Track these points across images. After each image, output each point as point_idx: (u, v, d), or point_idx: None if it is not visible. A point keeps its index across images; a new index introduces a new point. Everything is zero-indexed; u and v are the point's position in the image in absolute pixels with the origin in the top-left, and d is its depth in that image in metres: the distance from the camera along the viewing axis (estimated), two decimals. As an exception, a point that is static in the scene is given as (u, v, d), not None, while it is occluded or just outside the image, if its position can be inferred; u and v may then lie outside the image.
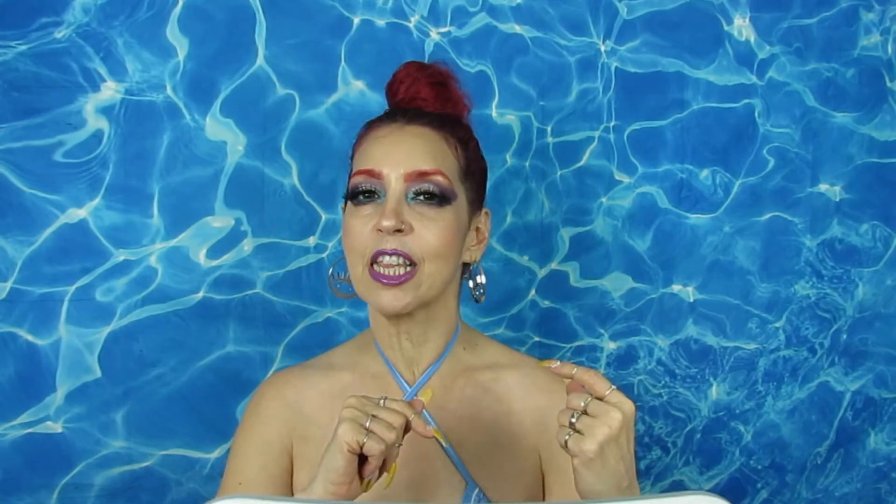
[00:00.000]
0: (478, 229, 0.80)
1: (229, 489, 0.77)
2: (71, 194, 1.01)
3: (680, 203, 1.26)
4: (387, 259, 0.71)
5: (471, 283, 0.82)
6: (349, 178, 0.78)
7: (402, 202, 0.72)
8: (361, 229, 0.72)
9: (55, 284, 1.02)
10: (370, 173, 0.72)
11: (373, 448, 0.59)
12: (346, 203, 0.78)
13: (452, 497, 0.75)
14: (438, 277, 0.73)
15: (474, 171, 0.78)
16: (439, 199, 0.72)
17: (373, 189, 0.72)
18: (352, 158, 0.78)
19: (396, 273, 0.71)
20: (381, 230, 0.70)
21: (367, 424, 0.60)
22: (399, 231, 0.70)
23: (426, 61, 0.80)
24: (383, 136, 0.74)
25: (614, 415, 0.58)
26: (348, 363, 0.82)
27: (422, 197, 0.72)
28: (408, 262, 0.71)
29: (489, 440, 0.78)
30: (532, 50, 1.17)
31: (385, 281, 0.71)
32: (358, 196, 0.73)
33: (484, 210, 0.81)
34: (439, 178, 0.72)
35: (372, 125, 0.78)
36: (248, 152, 1.07)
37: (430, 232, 0.71)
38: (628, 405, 0.58)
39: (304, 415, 0.80)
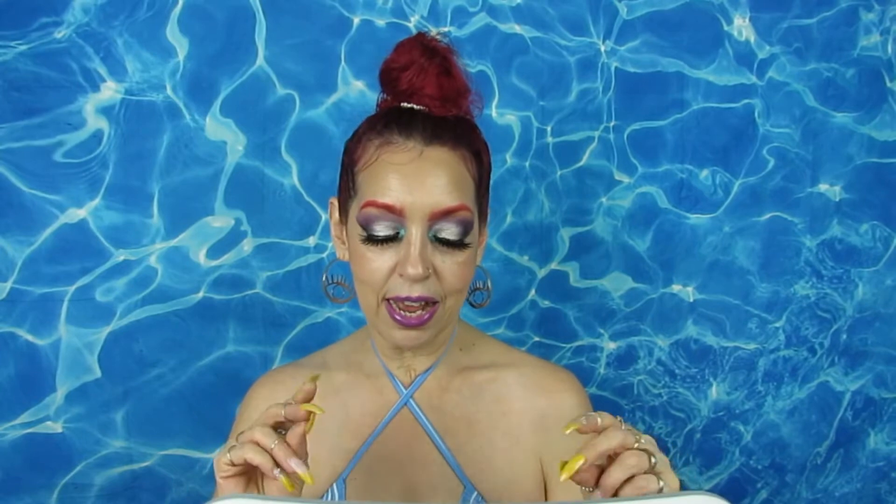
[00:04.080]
0: (481, 233, 0.76)
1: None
2: (71, 194, 1.01)
3: (680, 203, 1.26)
4: (408, 303, 0.67)
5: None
6: (348, 178, 0.72)
7: (426, 243, 0.66)
8: (379, 266, 0.67)
9: (55, 284, 1.02)
10: (390, 209, 0.65)
11: (238, 456, 0.57)
12: (339, 201, 0.73)
13: (450, 501, 0.74)
14: (457, 307, 0.72)
15: (486, 184, 0.74)
16: (460, 238, 0.68)
17: (393, 230, 0.66)
18: (353, 164, 0.71)
19: (418, 315, 0.68)
20: (402, 275, 0.66)
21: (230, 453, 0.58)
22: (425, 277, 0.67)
23: (426, 39, 0.71)
24: (400, 163, 0.66)
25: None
26: (343, 363, 0.81)
27: (444, 242, 0.68)
28: (430, 302, 0.68)
29: (487, 442, 0.76)
30: (532, 50, 1.17)
31: (402, 321, 0.68)
32: (375, 237, 0.67)
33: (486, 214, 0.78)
34: (463, 215, 0.67)
35: (383, 140, 0.69)
36: (248, 152, 1.07)
37: (453, 274, 0.68)
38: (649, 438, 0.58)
39: None
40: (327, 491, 0.74)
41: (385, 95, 0.74)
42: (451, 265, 0.68)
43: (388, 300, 0.68)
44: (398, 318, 0.68)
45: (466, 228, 0.68)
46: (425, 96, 0.70)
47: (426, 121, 0.69)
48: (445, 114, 0.70)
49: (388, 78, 0.72)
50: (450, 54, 0.71)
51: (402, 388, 0.77)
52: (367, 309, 0.72)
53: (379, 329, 0.72)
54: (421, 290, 0.67)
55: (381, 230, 0.66)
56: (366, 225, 0.67)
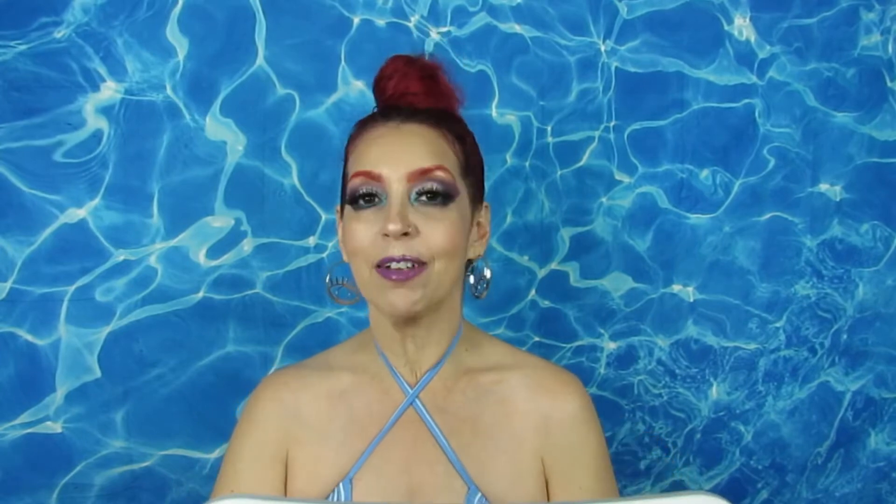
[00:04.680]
0: (479, 224, 0.79)
1: (222, 493, 0.76)
2: (71, 194, 1.01)
3: (680, 203, 1.26)
4: (395, 265, 0.69)
5: (471, 279, 0.80)
6: (344, 179, 0.76)
7: (405, 204, 0.69)
8: (365, 233, 0.70)
9: (55, 284, 1.02)
10: (369, 175, 0.70)
11: None
12: (341, 206, 0.76)
13: (454, 502, 0.74)
14: (447, 276, 0.72)
15: (474, 167, 0.77)
16: (443, 196, 0.70)
17: (373, 192, 0.70)
18: (346, 161, 0.76)
19: (406, 270, 0.69)
20: (387, 234, 0.68)
21: None
22: (406, 234, 0.68)
23: (413, 54, 0.78)
24: (379, 136, 0.72)
25: None
26: (347, 364, 0.81)
27: (425, 197, 0.70)
28: (417, 263, 0.69)
29: (491, 443, 0.77)
30: (532, 50, 1.17)
31: (395, 276, 0.69)
32: (358, 200, 0.71)
33: (484, 204, 0.80)
34: (441, 175, 0.70)
35: (365, 125, 0.75)
36: (248, 152, 1.07)
37: (437, 232, 0.70)
38: None
39: (301, 418, 0.78)
40: (333, 490, 0.75)
41: (377, 107, 0.79)
42: (434, 225, 0.70)
43: (378, 267, 0.70)
44: (390, 275, 0.69)
45: (447, 188, 0.71)
46: (409, 94, 0.75)
47: (407, 108, 0.74)
48: (429, 105, 0.75)
49: (378, 87, 0.77)
50: (435, 67, 0.77)
51: (408, 387, 0.78)
52: (363, 284, 0.73)
53: (376, 301, 0.73)
54: (405, 250, 0.69)
55: (365, 197, 0.71)
56: (352, 195, 0.71)
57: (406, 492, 0.74)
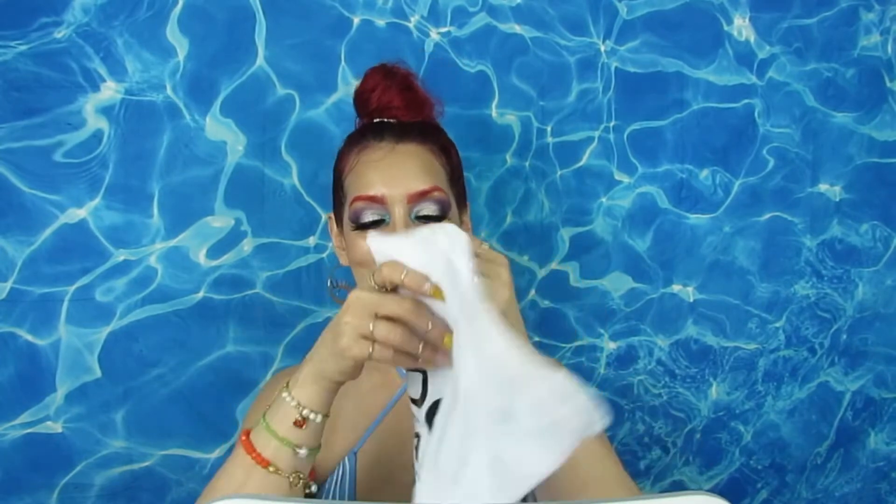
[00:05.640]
0: (463, 222, 0.84)
1: None
2: (71, 194, 1.01)
3: (680, 203, 1.26)
4: None
5: None
6: (339, 193, 0.79)
7: (408, 224, 0.75)
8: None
9: (55, 284, 1.02)
10: (373, 199, 0.75)
11: (383, 357, 0.58)
12: (336, 215, 0.80)
13: None
14: None
15: (458, 176, 0.83)
16: (440, 213, 0.76)
17: (379, 216, 0.75)
18: (340, 174, 0.80)
19: None
20: None
21: (371, 330, 0.58)
22: None
23: (388, 63, 0.82)
24: (378, 159, 0.77)
25: (501, 260, 0.64)
26: None
27: (424, 216, 0.75)
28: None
29: None
30: (532, 50, 1.17)
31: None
32: (363, 223, 0.76)
33: (466, 203, 0.86)
34: (438, 195, 0.76)
35: (359, 145, 0.79)
36: (248, 152, 1.07)
37: None
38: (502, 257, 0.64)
39: None
40: (339, 464, 0.81)
41: (361, 119, 0.84)
42: None
43: None
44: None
45: (443, 206, 0.77)
46: (393, 108, 0.80)
47: (395, 126, 0.80)
48: (412, 119, 0.80)
49: (360, 101, 0.82)
50: (410, 76, 0.81)
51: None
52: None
53: None
54: None
55: (369, 217, 0.76)
56: (356, 218, 0.76)
57: (408, 464, 0.78)
